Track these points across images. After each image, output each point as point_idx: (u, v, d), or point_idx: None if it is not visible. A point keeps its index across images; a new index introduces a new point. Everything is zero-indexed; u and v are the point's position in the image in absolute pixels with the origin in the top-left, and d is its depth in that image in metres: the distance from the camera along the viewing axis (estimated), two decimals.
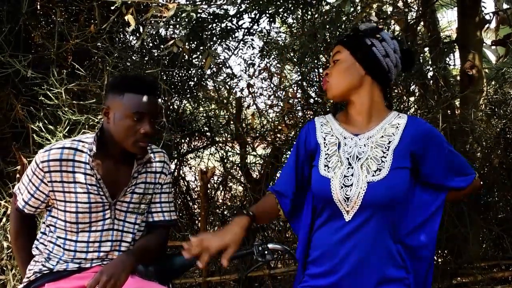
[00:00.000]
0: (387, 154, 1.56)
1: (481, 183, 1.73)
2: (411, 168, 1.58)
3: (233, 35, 3.32)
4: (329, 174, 1.58)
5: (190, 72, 3.26)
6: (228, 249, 1.48)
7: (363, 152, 1.58)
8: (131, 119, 1.66)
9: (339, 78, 1.62)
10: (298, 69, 3.00)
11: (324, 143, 1.65)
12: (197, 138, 3.49)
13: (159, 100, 1.75)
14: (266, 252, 1.87)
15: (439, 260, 3.08)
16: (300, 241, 1.72)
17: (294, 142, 1.77)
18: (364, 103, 1.62)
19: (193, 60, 3.19)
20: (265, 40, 3.46)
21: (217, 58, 3.19)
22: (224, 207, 3.47)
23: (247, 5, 2.99)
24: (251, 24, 3.37)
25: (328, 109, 1.67)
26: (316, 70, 2.96)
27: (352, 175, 1.55)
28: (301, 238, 1.71)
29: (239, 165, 3.30)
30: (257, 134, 3.23)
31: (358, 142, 1.60)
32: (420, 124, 1.62)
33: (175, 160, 3.34)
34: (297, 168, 1.71)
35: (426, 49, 3.36)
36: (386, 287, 1.55)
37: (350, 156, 1.58)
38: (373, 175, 1.53)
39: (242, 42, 3.37)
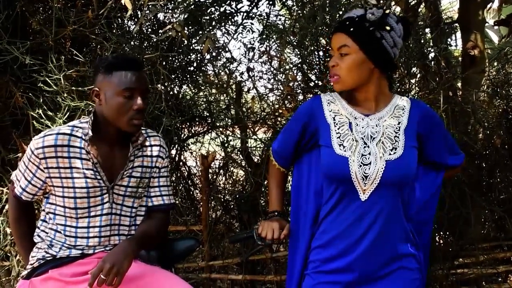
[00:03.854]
0: (399, 134, 1.60)
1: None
2: (418, 148, 1.64)
3: (232, 19, 3.30)
4: (346, 153, 1.58)
5: (189, 57, 3.24)
6: (283, 228, 1.69)
7: (376, 132, 1.61)
8: (122, 97, 1.67)
9: (349, 74, 1.60)
10: (298, 52, 2.98)
11: (334, 122, 1.64)
12: (197, 123, 3.47)
13: (146, 75, 1.74)
14: None
15: (441, 241, 3.09)
16: (297, 226, 1.72)
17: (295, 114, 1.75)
18: (372, 92, 1.64)
19: (193, 45, 3.17)
20: (264, 24, 3.43)
21: (217, 42, 3.16)
22: (226, 191, 3.47)
23: None
24: (250, 8, 3.33)
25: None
26: (316, 53, 2.93)
27: (369, 153, 1.57)
28: (300, 223, 1.71)
29: (240, 149, 3.30)
30: (258, 118, 3.22)
31: (369, 123, 1.62)
32: (423, 106, 1.69)
33: (176, 146, 3.34)
34: (298, 141, 1.72)
35: (427, 30, 3.32)
36: (400, 262, 1.60)
37: (364, 136, 1.61)
38: (390, 154, 1.57)
39: (241, 26, 3.34)
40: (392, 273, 1.59)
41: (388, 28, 1.58)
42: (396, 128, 1.61)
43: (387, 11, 1.61)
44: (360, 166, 1.56)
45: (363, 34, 1.58)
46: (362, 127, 1.62)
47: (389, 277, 1.59)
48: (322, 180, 1.65)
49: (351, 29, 1.59)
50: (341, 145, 1.60)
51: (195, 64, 3.28)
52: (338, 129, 1.63)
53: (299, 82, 3.04)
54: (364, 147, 1.59)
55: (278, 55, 3.19)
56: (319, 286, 1.63)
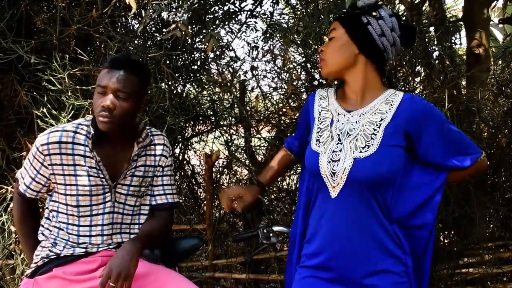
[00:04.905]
0: (377, 131, 1.55)
1: (488, 163, 1.67)
2: (406, 147, 1.56)
3: (236, 18, 3.30)
4: (319, 149, 1.59)
5: (193, 55, 3.24)
6: (244, 198, 1.81)
7: (354, 128, 1.58)
8: (97, 92, 1.68)
9: (332, 56, 1.62)
10: (302, 51, 2.98)
11: (319, 118, 1.67)
12: (201, 122, 3.48)
13: (132, 75, 1.71)
14: (271, 234, 1.88)
15: (445, 241, 3.08)
16: (296, 222, 1.74)
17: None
18: (358, 81, 1.62)
19: (196, 44, 3.17)
20: (268, 22, 3.43)
21: (220, 40, 3.16)
22: None
23: None
24: (254, 6, 3.33)
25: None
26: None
27: (340, 150, 1.55)
28: (297, 218, 1.72)
29: (244, 148, 3.30)
30: (261, 117, 3.22)
31: (350, 119, 1.61)
32: (416, 102, 1.58)
33: (180, 144, 3.34)
34: (301, 140, 1.82)
35: (432, 28, 3.31)
36: (381, 265, 1.54)
37: (341, 132, 1.59)
38: (361, 152, 1.53)
39: (245, 24, 3.34)
40: (374, 275, 1.53)
41: (375, 14, 1.58)
42: (377, 125, 1.56)
43: (380, 2, 1.61)
44: (329, 162, 1.55)
45: (350, 18, 1.61)
46: (342, 124, 1.61)
47: (370, 279, 1.53)
48: (308, 173, 1.68)
49: (342, 15, 1.64)
50: (318, 141, 1.62)
51: (199, 63, 3.28)
52: (320, 124, 1.65)
53: (303, 81, 3.03)
54: (337, 143, 1.57)
55: (282, 54, 3.19)
56: (304, 280, 1.62)
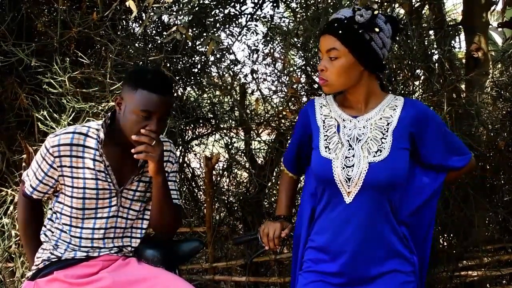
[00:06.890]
0: (386, 136, 1.57)
1: (475, 162, 1.75)
2: (411, 149, 1.60)
3: (237, 21, 3.31)
4: (331, 156, 1.59)
5: (193, 59, 3.25)
6: (285, 228, 1.76)
7: (362, 134, 1.59)
8: (139, 116, 1.65)
9: (338, 78, 1.58)
10: (302, 54, 2.98)
11: (323, 125, 1.66)
12: (201, 124, 3.48)
13: (172, 97, 1.73)
14: None
15: (445, 243, 3.09)
16: (298, 226, 1.73)
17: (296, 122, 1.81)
18: (362, 92, 1.63)
19: (197, 47, 3.18)
20: (268, 26, 3.43)
21: (221, 44, 3.17)
22: (229, 193, 3.48)
23: None
24: (254, 10, 3.34)
25: None
26: (320, 55, 2.93)
27: (353, 156, 1.56)
28: (301, 223, 1.72)
29: (244, 151, 3.30)
30: (262, 120, 3.22)
31: (357, 124, 1.61)
32: (417, 105, 1.64)
33: (180, 147, 3.34)
34: (299, 145, 1.78)
35: (431, 32, 3.32)
36: (392, 265, 1.58)
37: (350, 138, 1.59)
38: (374, 156, 1.54)
39: (245, 28, 3.35)
40: (384, 275, 1.57)
41: (377, 29, 1.55)
42: (384, 129, 1.58)
43: (376, 12, 1.56)
44: (343, 168, 1.55)
45: (352, 36, 1.55)
46: (349, 129, 1.61)
47: (381, 279, 1.57)
48: (315, 182, 1.67)
49: (340, 31, 1.55)
50: (327, 148, 1.61)
51: (199, 66, 3.29)
52: (326, 131, 1.64)
53: (303, 84, 3.04)
54: (349, 149, 1.58)
55: (282, 57, 3.19)
56: (311, 285, 1.63)
